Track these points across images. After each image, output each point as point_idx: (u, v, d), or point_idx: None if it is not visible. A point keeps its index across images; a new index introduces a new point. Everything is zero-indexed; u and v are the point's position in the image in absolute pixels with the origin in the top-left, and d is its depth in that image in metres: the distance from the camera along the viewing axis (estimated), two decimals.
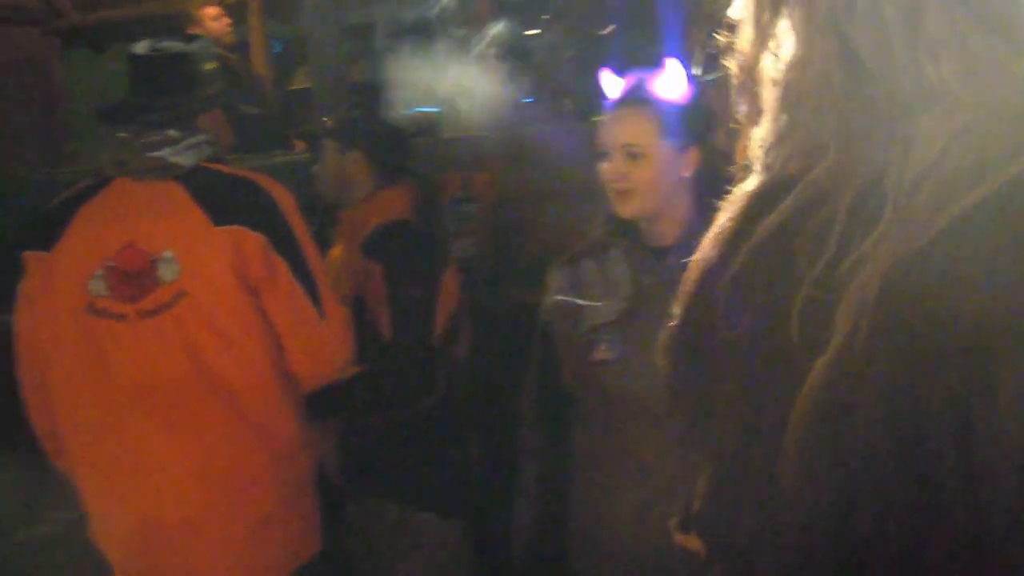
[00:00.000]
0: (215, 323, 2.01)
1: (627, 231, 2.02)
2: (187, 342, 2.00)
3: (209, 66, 2.24)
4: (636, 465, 1.93)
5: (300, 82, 4.51)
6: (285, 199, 2.10)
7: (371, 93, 2.81)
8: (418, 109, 3.54)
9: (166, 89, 2.16)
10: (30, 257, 2.11)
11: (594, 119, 3.37)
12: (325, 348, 2.11)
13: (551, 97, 4.25)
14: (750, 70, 0.96)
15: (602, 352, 1.95)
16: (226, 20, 4.96)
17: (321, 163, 2.68)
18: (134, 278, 2.01)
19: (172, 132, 2.10)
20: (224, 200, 2.05)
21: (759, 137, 0.95)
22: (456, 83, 3.61)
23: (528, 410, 2.15)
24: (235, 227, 2.01)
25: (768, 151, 0.93)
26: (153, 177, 2.07)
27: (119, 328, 2.01)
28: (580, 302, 2.01)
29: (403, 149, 2.73)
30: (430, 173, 3.37)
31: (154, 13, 5.34)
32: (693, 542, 1.08)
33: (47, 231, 2.10)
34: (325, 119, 2.74)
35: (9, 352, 2.18)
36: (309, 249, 2.10)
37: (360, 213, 2.58)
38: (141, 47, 2.19)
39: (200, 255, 2.01)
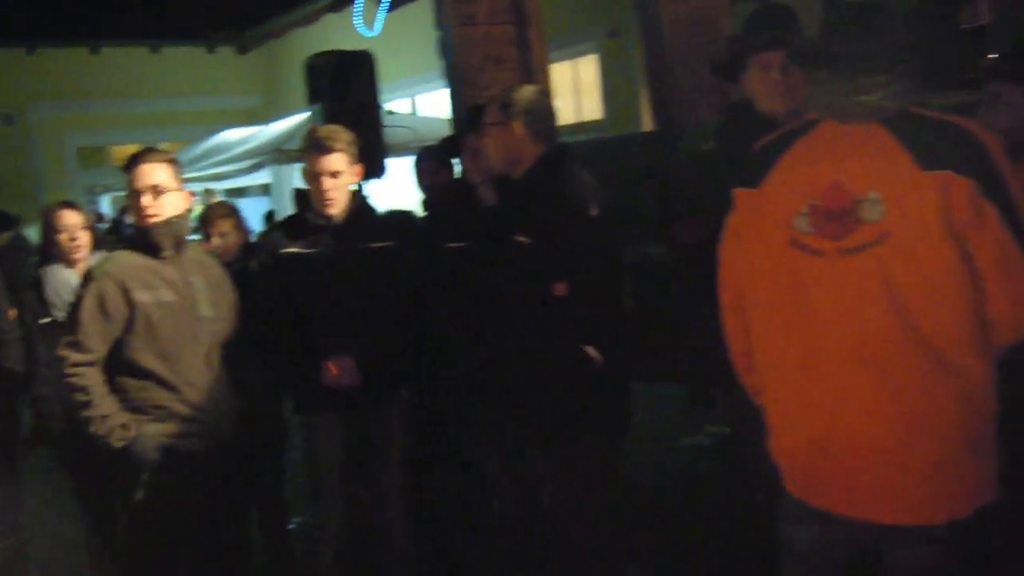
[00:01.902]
0: (916, 264, 2.04)
1: None
2: (886, 281, 2.06)
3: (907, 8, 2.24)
4: None
5: (972, 19, 4.25)
6: (994, 144, 2.05)
7: None
8: None
9: (869, 33, 2.20)
10: (739, 193, 2.31)
11: None
12: None
13: None
14: None
15: None
16: None
17: (996, 108, 2.48)
18: (837, 217, 2.11)
19: (880, 77, 2.14)
20: (932, 145, 2.06)
21: None
22: None
23: None
24: (944, 172, 2.01)
25: None
26: (858, 121, 2.14)
27: (818, 264, 2.13)
28: None
29: None
30: None
31: None
32: None
33: (756, 170, 2.27)
34: (993, 56, 2.50)
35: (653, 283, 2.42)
36: (1018, 195, 2.04)
37: None
38: None
39: (906, 198, 2.04)
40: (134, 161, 3.32)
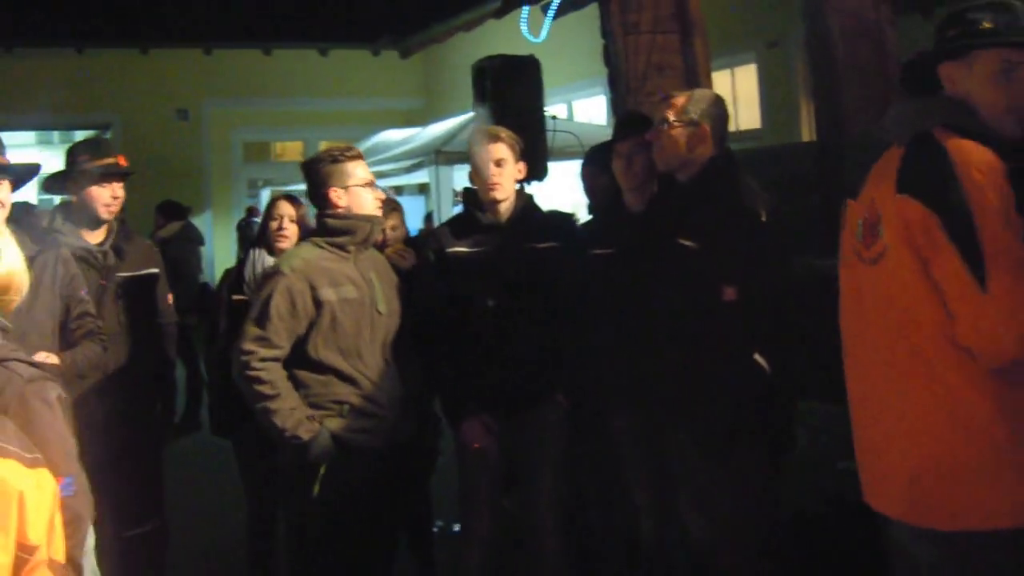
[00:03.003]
0: (900, 280, 2.19)
1: None
2: (888, 293, 2.23)
3: (989, 24, 2.23)
4: None
5: None
6: (975, 168, 2.07)
7: None
8: None
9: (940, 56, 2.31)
10: (847, 204, 2.48)
11: None
12: (986, 324, 2.05)
13: None
14: None
15: None
16: None
17: None
18: (870, 230, 2.29)
19: (928, 99, 2.29)
20: (909, 168, 2.19)
21: None
22: None
23: None
24: (905, 196, 2.15)
25: None
26: (899, 142, 2.28)
27: (863, 271, 2.32)
28: None
29: None
30: None
31: None
32: None
33: (859, 183, 2.42)
34: None
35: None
36: (985, 221, 2.04)
37: None
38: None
39: (889, 218, 2.21)
40: (349, 155, 3.45)
